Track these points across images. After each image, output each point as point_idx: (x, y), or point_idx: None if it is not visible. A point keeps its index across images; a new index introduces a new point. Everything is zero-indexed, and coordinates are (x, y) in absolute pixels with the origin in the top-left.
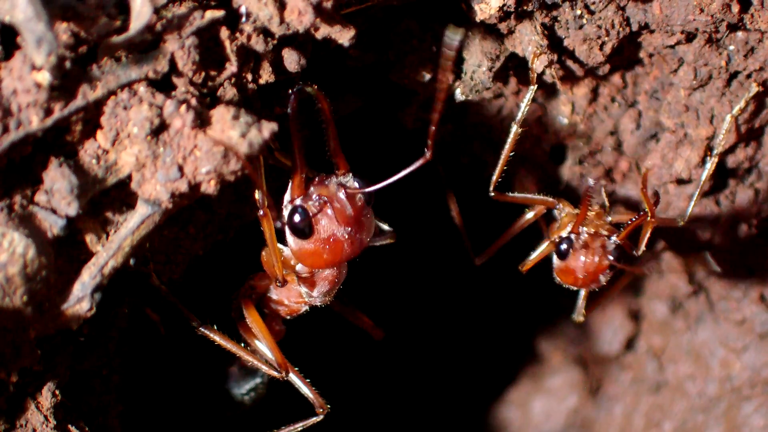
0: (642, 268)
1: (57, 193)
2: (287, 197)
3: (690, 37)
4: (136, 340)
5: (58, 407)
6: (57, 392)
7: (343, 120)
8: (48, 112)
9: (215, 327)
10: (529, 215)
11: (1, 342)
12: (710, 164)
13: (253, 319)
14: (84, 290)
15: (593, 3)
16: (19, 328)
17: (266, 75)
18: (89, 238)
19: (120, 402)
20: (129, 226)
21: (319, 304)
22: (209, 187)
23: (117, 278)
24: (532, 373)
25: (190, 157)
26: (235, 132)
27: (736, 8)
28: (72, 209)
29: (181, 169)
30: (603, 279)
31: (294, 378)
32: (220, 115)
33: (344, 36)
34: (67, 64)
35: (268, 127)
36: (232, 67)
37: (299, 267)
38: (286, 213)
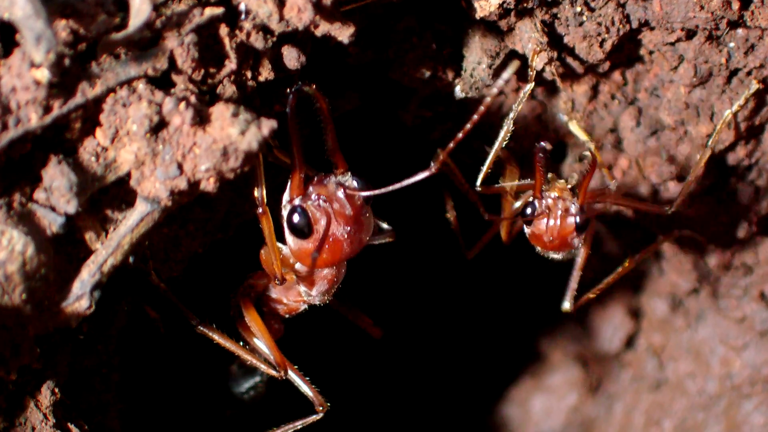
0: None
1: (56, 191)
2: (286, 197)
3: (690, 34)
4: (135, 338)
5: (57, 405)
6: (56, 390)
7: (343, 117)
8: (47, 109)
9: (214, 326)
10: (517, 204)
11: (0, 340)
12: (703, 156)
13: (251, 318)
14: (83, 288)
15: (593, 0)
16: (18, 326)
17: (266, 72)
18: (88, 236)
19: (119, 400)
20: (128, 224)
21: (318, 303)
22: (209, 185)
23: (116, 276)
24: (532, 371)
25: (190, 154)
26: (234, 129)
27: (736, 5)
28: (71, 207)
29: (180, 166)
30: (576, 242)
31: (293, 376)
32: (220, 112)
33: (344, 33)
34: (66, 61)
35: (268, 125)
36: (231, 65)
37: (298, 266)
38: (285, 213)
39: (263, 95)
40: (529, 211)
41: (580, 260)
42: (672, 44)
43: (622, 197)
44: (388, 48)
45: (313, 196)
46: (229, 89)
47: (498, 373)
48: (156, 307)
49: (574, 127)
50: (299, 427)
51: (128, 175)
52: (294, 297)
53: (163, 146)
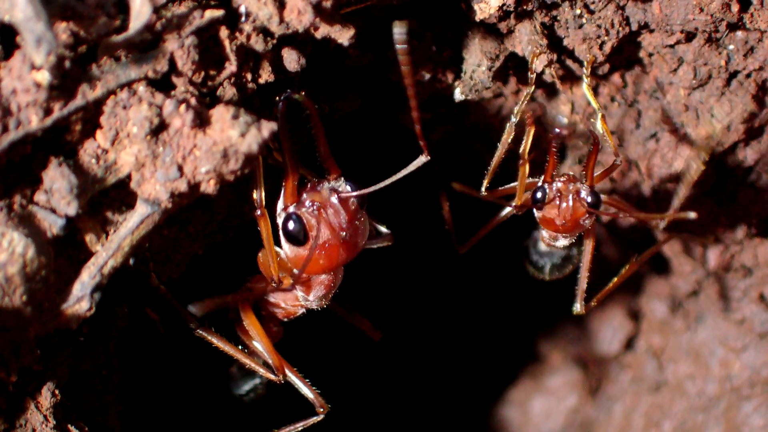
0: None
1: (56, 193)
2: (280, 204)
3: (690, 37)
4: (135, 339)
5: (57, 407)
6: (56, 392)
7: (342, 119)
8: (47, 111)
9: (213, 329)
10: (509, 209)
11: (0, 342)
12: (695, 169)
13: (250, 321)
14: (83, 290)
15: (593, 2)
16: (18, 327)
17: (266, 74)
18: (89, 238)
19: (120, 402)
20: (128, 226)
21: (315, 307)
22: (209, 187)
23: (116, 278)
24: (532, 372)
25: (190, 156)
26: (234, 131)
27: (735, 8)
28: (71, 209)
29: (180, 168)
30: (587, 223)
31: (294, 378)
32: (220, 114)
33: (344, 35)
34: (67, 63)
35: (268, 127)
36: (231, 67)
37: (296, 270)
38: (280, 221)
39: (263, 97)
40: (539, 195)
41: (586, 261)
42: (671, 46)
43: (619, 200)
44: (387, 50)
45: (308, 203)
46: (229, 91)
47: (497, 374)
48: (156, 309)
49: (587, 91)
50: (300, 428)
51: (128, 177)
52: (292, 301)
53: (164, 148)
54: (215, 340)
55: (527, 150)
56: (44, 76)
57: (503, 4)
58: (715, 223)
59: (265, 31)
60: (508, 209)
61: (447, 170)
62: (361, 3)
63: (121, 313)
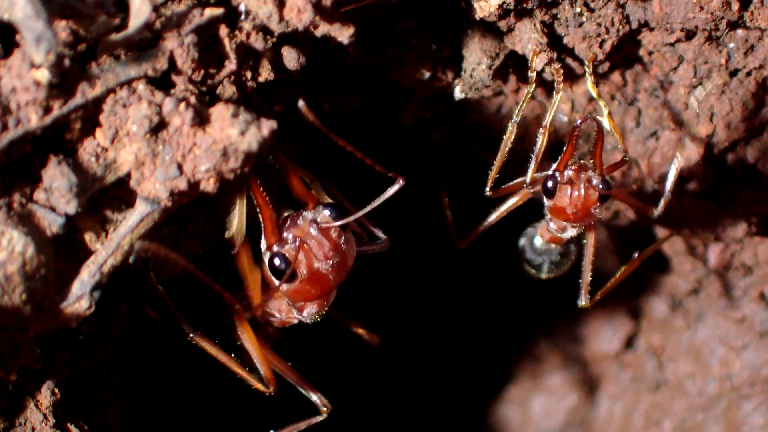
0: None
1: (56, 192)
2: (263, 244)
3: (690, 35)
4: (135, 338)
5: (57, 406)
6: (56, 391)
7: (342, 118)
8: (47, 110)
9: (208, 330)
10: (514, 199)
11: (0, 340)
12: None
13: (243, 329)
14: (83, 289)
15: (593, 1)
16: (18, 326)
17: (266, 73)
18: (88, 237)
19: (119, 401)
20: (128, 225)
21: (309, 322)
22: (208, 186)
23: (116, 277)
24: (532, 371)
25: (190, 155)
26: (234, 130)
27: (735, 6)
28: (71, 207)
29: (180, 167)
30: (597, 212)
31: (295, 381)
32: (220, 113)
33: (344, 34)
34: (66, 62)
35: (268, 125)
36: (231, 65)
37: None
38: (266, 259)
39: (263, 96)
40: (551, 184)
41: (588, 254)
42: (672, 45)
43: (618, 188)
44: (387, 49)
45: (290, 239)
46: (228, 90)
47: (497, 373)
48: (156, 308)
49: (591, 89)
50: (303, 428)
51: (128, 175)
52: (286, 313)
53: (163, 147)
54: (208, 346)
55: (549, 120)
56: (44, 75)
57: (503, 3)
58: (715, 221)
59: (264, 30)
60: (508, 204)
61: (446, 168)
62: (361, 1)
63: (121, 312)
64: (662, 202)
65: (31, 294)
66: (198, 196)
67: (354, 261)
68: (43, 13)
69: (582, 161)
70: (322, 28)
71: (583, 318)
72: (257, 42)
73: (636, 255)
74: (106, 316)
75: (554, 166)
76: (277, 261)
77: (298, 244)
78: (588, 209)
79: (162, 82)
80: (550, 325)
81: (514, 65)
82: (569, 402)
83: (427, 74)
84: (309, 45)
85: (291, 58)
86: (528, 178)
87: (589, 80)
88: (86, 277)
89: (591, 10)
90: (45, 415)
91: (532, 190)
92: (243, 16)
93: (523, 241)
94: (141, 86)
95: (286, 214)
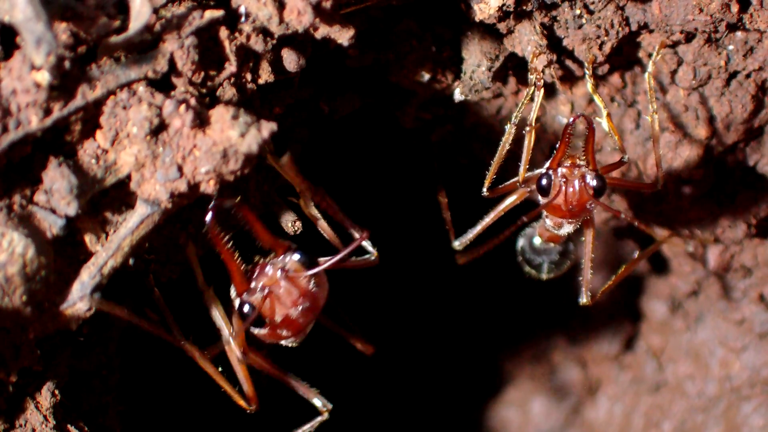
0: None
1: (56, 193)
2: (233, 292)
3: (689, 37)
4: (135, 340)
5: (57, 407)
6: (56, 392)
7: (342, 120)
8: (47, 111)
9: (205, 335)
10: (512, 197)
11: (0, 342)
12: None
13: (228, 349)
14: (83, 290)
15: (592, 3)
16: (18, 328)
17: (265, 75)
18: (88, 238)
19: (119, 402)
20: (128, 226)
21: (293, 345)
22: (208, 187)
23: (116, 278)
24: (531, 373)
25: (190, 156)
26: (234, 132)
27: (735, 8)
28: (71, 209)
29: (180, 168)
30: (593, 207)
31: (294, 384)
32: (220, 114)
33: (343, 36)
34: (67, 64)
35: (268, 127)
36: (231, 67)
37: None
38: (235, 306)
39: (263, 98)
40: (544, 182)
41: (587, 251)
42: (671, 47)
43: (613, 176)
44: (387, 50)
45: (258, 288)
46: (229, 92)
47: (497, 375)
48: (156, 309)
49: (591, 90)
50: (308, 430)
51: (128, 177)
52: (268, 340)
53: (163, 148)
54: (196, 355)
55: (534, 118)
56: (44, 77)
57: (503, 5)
58: (715, 223)
59: (264, 32)
60: (507, 202)
61: (446, 170)
62: (361, 3)
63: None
64: (660, 173)
65: (32, 295)
66: (198, 197)
67: (325, 298)
68: (43, 15)
69: (577, 158)
70: (322, 30)
71: (583, 319)
72: (257, 44)
73: (636, 255)
74: (106, 317)
75: (547, 163)
76: (246, 308)
77: (266, 293)
78: (583, 204)
79: (162, 84)
80: (549, 327)
81: (513, 67)
82: (569, 403)
83: (426, 76)
84: (309, 47)
85: (291, 60)
86: (520, 177)
87: (589, 82)
88: (86, 278)
89: (590, 12)
90: (45, 417)
91: (527, 189)
92: (243, 18)
93: (521, 242)
94: (141, 88)
95: (255, 259)
